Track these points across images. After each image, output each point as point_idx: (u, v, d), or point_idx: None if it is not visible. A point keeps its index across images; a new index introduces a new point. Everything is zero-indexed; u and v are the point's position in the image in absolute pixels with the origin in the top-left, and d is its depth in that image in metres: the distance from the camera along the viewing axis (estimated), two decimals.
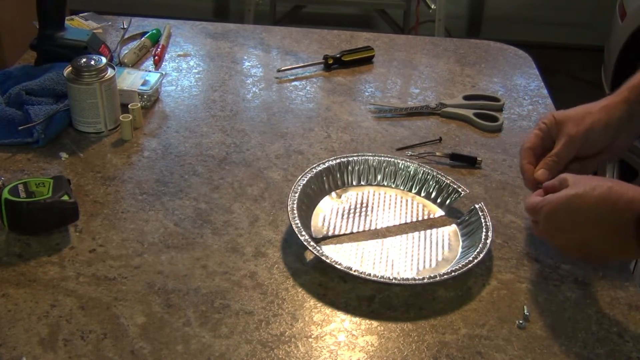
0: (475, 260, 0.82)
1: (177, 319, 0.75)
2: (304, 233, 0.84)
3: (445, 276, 0.80)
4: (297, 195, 0.89)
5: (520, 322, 0.77)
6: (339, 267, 0.80)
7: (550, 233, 0.80)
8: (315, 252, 0.82)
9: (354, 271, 0.80)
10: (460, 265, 0.81)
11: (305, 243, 0.82)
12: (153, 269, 0.82)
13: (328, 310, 0.78)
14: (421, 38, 1.47)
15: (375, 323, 0.77)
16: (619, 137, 0.87)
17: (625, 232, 0.72)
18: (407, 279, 0.80)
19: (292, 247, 0.86)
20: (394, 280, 0.80)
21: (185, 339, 0.73)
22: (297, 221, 0.85)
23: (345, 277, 0.82)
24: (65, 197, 0.85)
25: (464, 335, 0.76)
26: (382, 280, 0.79)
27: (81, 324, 0.74)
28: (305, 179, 0.92)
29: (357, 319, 0.77)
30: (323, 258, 0.81)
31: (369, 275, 0.79)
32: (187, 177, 0.98)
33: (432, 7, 2.67)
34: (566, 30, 3.34)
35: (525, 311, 0.79)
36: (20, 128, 1.01)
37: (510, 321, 0.78)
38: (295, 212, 0.86)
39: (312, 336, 0.75)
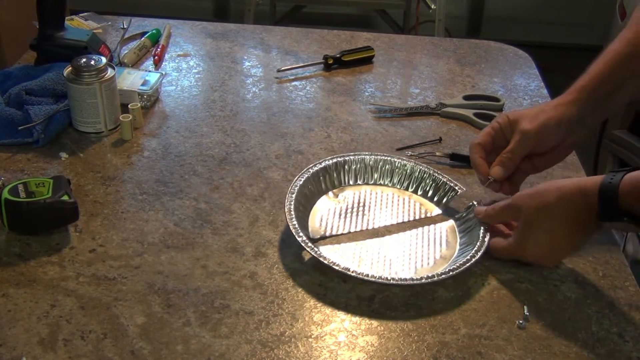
0: (473, 259, 0.82)
1: (177, 319, 0.75)
2: (301, 234, 0.84)
3: (443, 276, 0.80)
4: (294, 195, 0.89)
5: (520, 322, 0.77)
6: (336, 267, 0.80)
7: (539, 257, 0.84)
8: (312, 253, 0.82)
9: (352, 272, 0.80)
10: (458, 264, 0.82)
11: (303, 244, 0.82)
12: (153, 269, 0.82)
13: (328, 310, 0.78)
14: (421, 38, 1.47)
15: (375, 323, 0.77)
16: (571, 136, 0.88)
17: (592, 221, 0.76)
18: (405, 279, 0.80)
19: (291, 247, 0.86)
20: (392, 281, 0.80)
21: (185, 339, 0.73)
22: (295, 222, 0.85)
23: (345, 277, 0.82)
24: (65, 197, 0.85)
25: (464, 335, 0.76)
26: (379, 280, 0.79)
27: (81, 324, 0.74)
28: (302, 180, 0.92)
29: (357, 319, 0.77)
30: (321, 259, 0.81)
31: (367, 275, 0.79)
32: (187, 177, 0.98)
33: (432, 7, 2.67)
34: (566, 30, 3.34)
35: (525, 311, 0.79)
36: (20, 128, 1.01)
37: (510, 321, 0.78)
38: (292, 213, 0.86)
39: (312, 336, 0.75)
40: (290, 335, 0.75)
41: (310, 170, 0.94)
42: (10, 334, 0.72)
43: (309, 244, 0.83)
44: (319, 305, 0.79)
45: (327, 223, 0.91)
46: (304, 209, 0.91)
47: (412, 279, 0.80)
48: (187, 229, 0.89)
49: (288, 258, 0.85)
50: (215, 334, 0.74)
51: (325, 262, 0.81)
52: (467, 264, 0.81)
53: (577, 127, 0.87)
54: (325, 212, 0.92)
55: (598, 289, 0.83)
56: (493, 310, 0.79)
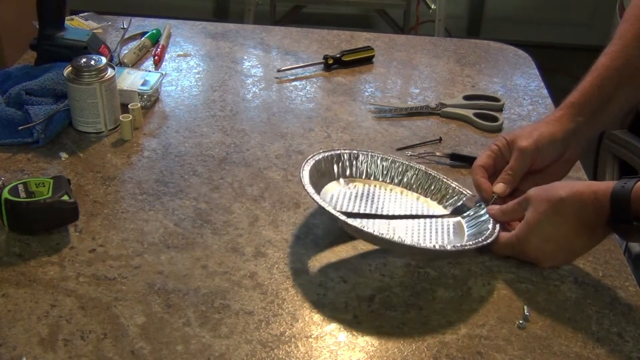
0: (486, 242, 0.83)
1: (177, 319, 0.75)
2: (316, 195, 0.83)
3: (466, 246, 0.82)
4: (309, 166, 0.89)
5: (520, 322, 0.77)
6: (351, 222, 0.79)
7: (537, 259, 0.84)
8: (329, 209, 0.81)
9: (364, 227, 0.79)
10: (471, 243, 0.83)
11: (317, 200, 0.82)
12: (153, 269, 0.82)
13: (328, 310, 0.78)
14: (421, 38, 1.47)
15: (375, 323, 0.77)
16: (567, 150, 0.91)
17: (600, 225, 0.78)
18: (418, 242, 0.81)
19: (292, 247, 0.87)
20: (405, 241, 0.80)
21: (185, 339, 0.73)
22: (309, 186, 0.84)
23: (345, 277, 0.82)
24: (65, 197, 0.85)
25: (464, 335, 0.76)
26: (394, 240, 0.79)
27: (81, 324, 0.74)
28: (318, 157, 0.92)
29: (357, 319, 0.77)
30: (337, 214, 0.80)
31: (381, 234, 0.80)
32: (187, 177, 0.98)
33: (432, 7, 2.67)
34: (566, 30, 3.34)
35: (525, 311, 0.79)
36: (20, 128, 1.01)
37: (510, 321, 0.78)
38: (307, 178, 0.86)
39: (312, 336, 0.75)
40: (290, 335, 0.75)
41: (325, 153, 0.94)
42: (10, 334, 0.72)
43: (324, 202, 0.82)
44: (319, 305, 0.79)
45: (337, 201, 0.91)
46: (316, 182, 0.90)
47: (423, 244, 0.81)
48: (187, 229, 0.89)
49: (288, 258, 0.85)
50: (215, 334, 0.74)
51: (342, 218, 0.80)
52: (481, 243, 0.83)
53: (572, 141, 0.90)
54: (336, 193, 0.93)
55: (598, 289, 0.83)
56: (493, 310, 0.79)
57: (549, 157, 0.90)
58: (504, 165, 0.91)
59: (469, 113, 1.16)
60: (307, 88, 1.24)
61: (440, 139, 1.10)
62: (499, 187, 0.90)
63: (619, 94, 0.89)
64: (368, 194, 0.95)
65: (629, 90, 0.90)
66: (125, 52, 1.27)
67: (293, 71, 1.28)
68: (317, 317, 0.77)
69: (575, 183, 0.81)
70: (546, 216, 0.80)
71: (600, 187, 0.77)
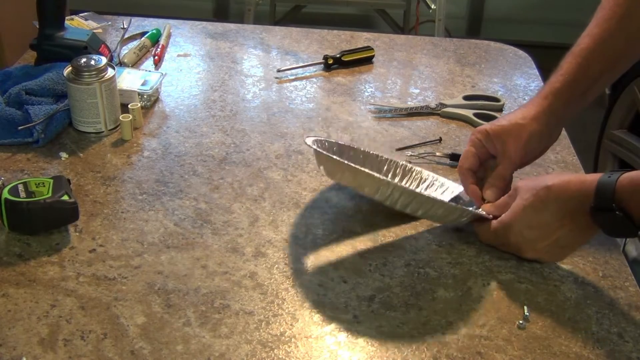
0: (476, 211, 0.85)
1: (177, 319, 0.76)
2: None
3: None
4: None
5: (520, 322, 0.77)
6: (336, 157, 0.80)
7: (519, 246, 0.84)
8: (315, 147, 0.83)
9: (359, 167, 0.80)
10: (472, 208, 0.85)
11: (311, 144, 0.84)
12: (153, 269, 0.82)
13: (328, 310, 0.78)
14: (421, 38, 1.47)
15: (375, 323, 0.77)
16: (550, 139, 0.92)
17: (584, 215, 0.76)
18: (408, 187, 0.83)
19: (292, 247, 0.87)
20: (394, 182, 0.81)
21: (185, 339, 0.73)
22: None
23: (345, 277, 0.82)
24: (65, 197, 0.85)
25: (464, 335, 0.76)
26: (383, 178, 0.80)
27: (81, 324, 0.74)
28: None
29: (357, 319, 0.77)
30: (319, 150, 0.83)
31: (372, 174, 0.80)
32: (187, 177, 0.98)
33: (432, 7, 2.67)
34: (566, 30, 3.33)
35: (525, 311, 0.79)
36: (20, 128, 1.01)
37: (510, 321, 0.78)
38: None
39: (312, 336, 0.75)
40: (290, 335, 0.75)
41: (330, 142, 0.95)
42: (10, 334, 0.72)
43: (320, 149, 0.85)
44: (319, 305, 0.79)
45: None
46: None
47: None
48: (187, 229, 0.89)
49: (288, 258, 0.85)
50: (215, 334, 0.74)
51: (335, 157, 0.81)
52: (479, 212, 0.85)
53: (555, 130, 0.91)
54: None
55: (598, 289, 0.83)
56: (493, 310, 0.79)
57: (536, 153, 0.92)
58: (487, 155, 0.91)
59: (469, 113, 1.16)
60: (307, 88, 1.24)
61: (440, 139, 1.10)
62: (489, 193, 0.89)
63: (602, 79, 0.89)
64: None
65: (610, 76, 0.90)
66: (125, 52, 1.27)
67: (293, 71, 1.28)
68: (317, 317, 0.77)
69: (565, 174, 0.81)
70: (530, 202, 0.80)
71: (588, 177, 0.77)
